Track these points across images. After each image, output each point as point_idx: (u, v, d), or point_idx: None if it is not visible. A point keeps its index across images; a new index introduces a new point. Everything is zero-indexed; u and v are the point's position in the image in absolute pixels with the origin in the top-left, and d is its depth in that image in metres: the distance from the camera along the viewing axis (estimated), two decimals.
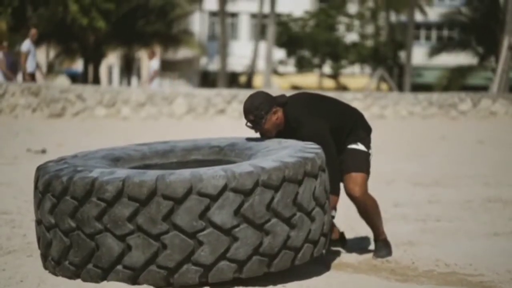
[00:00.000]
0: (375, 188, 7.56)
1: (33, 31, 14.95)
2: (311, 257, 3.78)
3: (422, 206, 6.49)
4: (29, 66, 14.75)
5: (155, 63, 16.49)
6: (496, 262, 4.38)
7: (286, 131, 4.15)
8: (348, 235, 5.18)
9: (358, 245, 4.86)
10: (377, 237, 4.53)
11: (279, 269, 3.61)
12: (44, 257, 3.69)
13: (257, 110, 4.02)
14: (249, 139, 4.18)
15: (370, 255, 4.55)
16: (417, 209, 6.33)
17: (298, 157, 3.66)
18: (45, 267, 3.71)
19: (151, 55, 16.82)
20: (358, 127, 4.34)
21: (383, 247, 4.51)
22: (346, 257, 4.52)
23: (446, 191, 7.35)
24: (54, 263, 3.59)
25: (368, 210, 4.41)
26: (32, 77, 14.95)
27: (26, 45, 14.67)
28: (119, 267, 3.39)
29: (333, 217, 4.11)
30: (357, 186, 4.30)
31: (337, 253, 4.61)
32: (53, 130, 12.32)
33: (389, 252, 4.50)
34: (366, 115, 17.58)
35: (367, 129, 4.42)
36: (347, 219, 5.63)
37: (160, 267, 3.37)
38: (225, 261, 3.43)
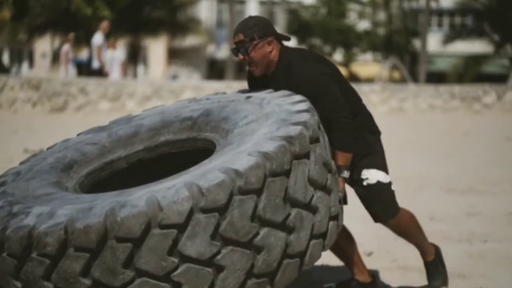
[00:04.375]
0: (404, 195, 6.86)
1: (105, 24, 14.53)
2: (322, 251, 3.06)
3: (461, 221, 5.78)
4: (105, 59, 14.58)
5: (120, 53, 15.65)
6: None
7: (274, 79, 3.35)
8: (383, 263, 4.45)
9: (399, 280, 4.12)
10: (425, 258, 3.75)
11: (284, 285, 2.89)
12: None
13: (249, 29, 3.26)
14: (225, 103, 3.35)
15: None
16: (457, 225, 5.61)
17: (281, 138, 2.86)
18: None
19: (111, 46, 15.53)
20: (363, 126, 3.48)
21: (435, 272, 3.71)
22: None
23: (484, 200, 6.64)
24: None
25: (404, 230, 3.65)
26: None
27: (99, 38, 14.27)
28: None
29: (345, 178, 3.31)
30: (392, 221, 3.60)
31: None
32: (54, 127, 11.66)
33: (444, 280, 3.71)
34: (384, 109, 16.84)
35: (375, 132, 3.56)
36: (380, 241, 4.91)
37: None
38: None
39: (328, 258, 4.10)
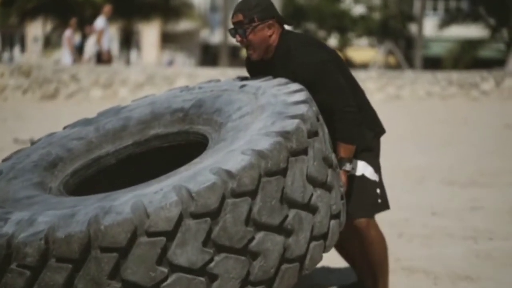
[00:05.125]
0: (405, 189, 6.74)
1: (107, 8, 14.40)
2: (323, 253, 2.85)
3: (465, 216, 5.60)
4: (104, 44, 14.46)
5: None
6: None
7: (272, 65, 3.13)
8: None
9: (403, 282, 3.93)
10: None
11: None
12: None
13: (249, 10, 3.03)
14: (218, 93, 3.14)
15: None
16: (461, 220, 5.43)
17: (276, 134, 2.66)
18: None
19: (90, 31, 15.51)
20: (364, 122, 3.21)
21: None
22: None
23: (487, 193, 6.47)
24: None
25: (371, 246, 3.23)
26: (108, 54, 14.59)
27: (101, 22, 14.07)
28: None
29: (347, 171, 3.09)
30: (362, 222, 3.23)
31: None
32: (45, 115, 11.44)
33: None
34: (381, 96, 16.64)
35: (378, 129, 3.28)
36: None
37: None
38: None
39: (330, 260, 3.92)
